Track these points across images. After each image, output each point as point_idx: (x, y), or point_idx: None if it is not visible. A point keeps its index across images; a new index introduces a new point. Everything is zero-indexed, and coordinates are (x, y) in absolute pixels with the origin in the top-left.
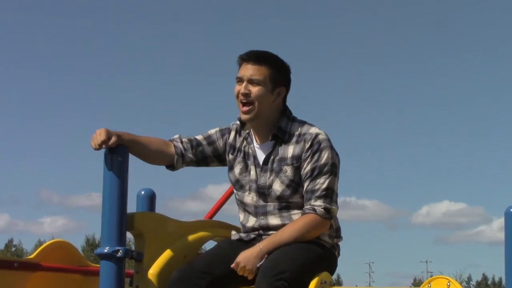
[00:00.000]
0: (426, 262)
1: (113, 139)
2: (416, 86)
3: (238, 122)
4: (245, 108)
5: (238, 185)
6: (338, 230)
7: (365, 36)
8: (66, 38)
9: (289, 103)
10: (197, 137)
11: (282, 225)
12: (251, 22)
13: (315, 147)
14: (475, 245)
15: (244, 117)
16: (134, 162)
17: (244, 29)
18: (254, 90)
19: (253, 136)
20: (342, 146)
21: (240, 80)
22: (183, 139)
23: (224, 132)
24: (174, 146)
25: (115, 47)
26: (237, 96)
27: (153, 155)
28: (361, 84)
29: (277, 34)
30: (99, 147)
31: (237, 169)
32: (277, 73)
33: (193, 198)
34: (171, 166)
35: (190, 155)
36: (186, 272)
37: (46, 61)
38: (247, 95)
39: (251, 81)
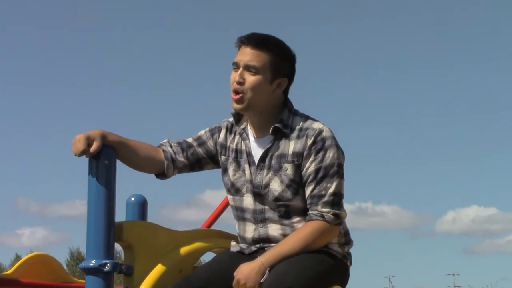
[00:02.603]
0: (453, 275)
1: (95, 145)
2: (443, 82)
3: (230, 119)
4: (236, 96)
5: (233, 188)
6: (346, 234)
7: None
8: (52, 39)
9: (294, 95)
10: (187, 139)
11: (284, 235)
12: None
13: (319, 144)
14: (508, 255)
15: (234, 106)
16: (123, 166)
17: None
18: (250, 79)
19: (250, 131)
20: (356, 144)
21: (236, 66)
22: (172, 143)
23: (214, 131)
24: (163, 151)
25: (96, 47)
26: (232, 84)
27: (141, 161)
28: (380, 79)
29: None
30: (80, 156)
31: (230, 171)
32: (279, 61)
33: (188, 205)
34: (162, 175)
35: (182, 159)
36: None
37: (20, 59)
38: (240, 83)
39: (247, 68)
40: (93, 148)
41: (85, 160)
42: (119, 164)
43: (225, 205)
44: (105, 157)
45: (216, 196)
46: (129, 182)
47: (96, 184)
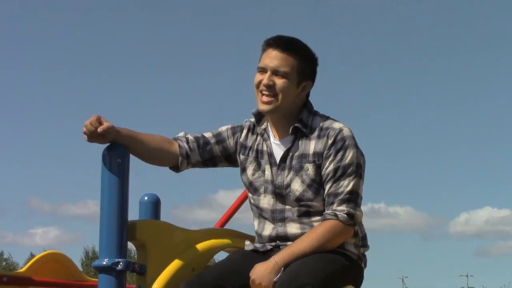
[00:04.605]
0: (467, 276)
1: (106, 124)
2: (456, 84)
3: (252, 119)
4: (266, 99)
5: (252, 188)
6: (364, 238)
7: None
8: (61, 37)
9: (312, 97)
10: (205, 134)
11: (302, 234)
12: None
13: (339, 144)
14: None
15: (263, 107)
16: (136, 165)
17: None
18: (279, 82)
19: (270, 132)
20: (370, 145)
21: (263, 70)
22: (189, 137)
23: (236, 130)
24: (179, 146)
25: (110, 43)
26: (257, 86)
27: (155, 154)
28: (395, 80)
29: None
30: (90, 136)
31: (249, 170)
32: (305, 64)
33: (201, 205)
34: (175, 168)
35: (197, 156)
36: (194, 285)
37: (30, 60)
38: (270, 87)
39: (276, 72)
40: (104, 126)
41: (98, 159)
42: (133, 163)
43: (239, 204)
44: (118, 155)
45: (229, 196)
46: (142, 181)
47: (109, 183)
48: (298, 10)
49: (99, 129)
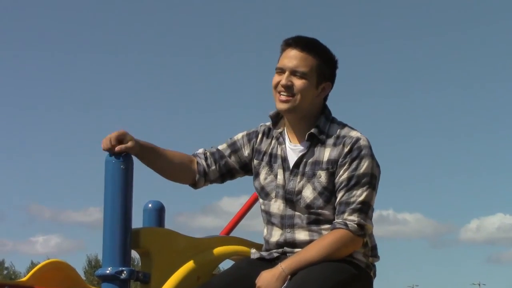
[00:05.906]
0: (479, 284)
1: (130, 143)
2: (465, 88)
3: (267, 123)
4: (284, 97)
5: (263, 192)
6: (374, 248)
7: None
8: (69, 40)
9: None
10: (219, 147)
11: (310, 241)
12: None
13: (355, 153)
14: None
15: (281, 106)
16: (140, 171)
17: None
18: (298, 83)
19: (286, 136)
20: (378, 151)
21: (281, 70)
22: (207, 154)
23: (252, 136)
24: (197, 163)
25: (120, 47)
26: (275, 87)
27: (175, 172)
28: (402, 83)
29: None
30: (108, 150)
31: (262, 175)
32: (325, 65)
33: (205, 212)
34: (193, 185)
35: (215, 172)
36: None
37: (33, 62)
38: (289, 87)
39: (294, 73)
40: (121, 146)
41: (101, 165)
42: (137, 170)
43: (245, 212)
44: (122, 162)
45: (234, 203)
46: (145, 188)
47: (113, 190)
48: (311, 13)
49: (116, 149)
